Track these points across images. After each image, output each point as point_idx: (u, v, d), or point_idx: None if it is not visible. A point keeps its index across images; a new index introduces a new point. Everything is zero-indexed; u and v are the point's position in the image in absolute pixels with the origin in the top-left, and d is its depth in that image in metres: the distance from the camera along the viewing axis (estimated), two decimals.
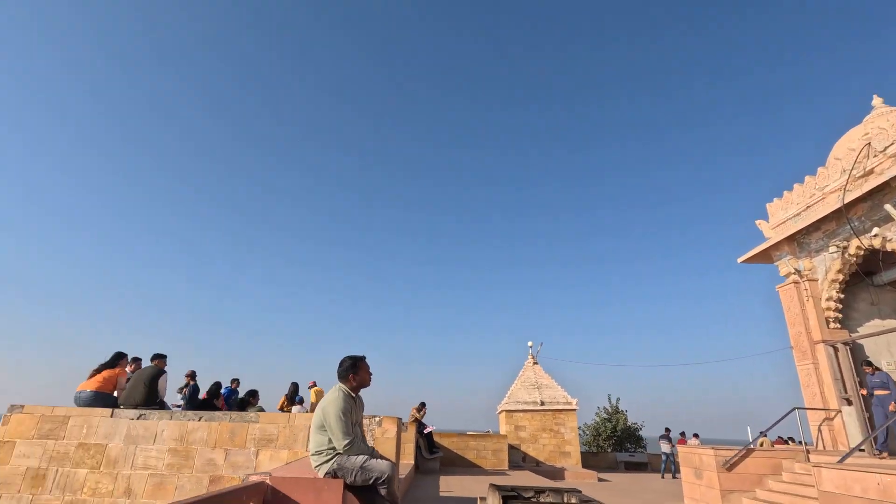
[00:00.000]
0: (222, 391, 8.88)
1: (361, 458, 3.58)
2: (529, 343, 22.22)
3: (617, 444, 24.28)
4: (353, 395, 3.83)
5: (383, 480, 3.54)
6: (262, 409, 8.13)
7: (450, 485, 10.49)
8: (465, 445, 15.13)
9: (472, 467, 14.76)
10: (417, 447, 12.43)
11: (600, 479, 16.00)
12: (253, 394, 8.94)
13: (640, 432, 25.08)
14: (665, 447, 17.94)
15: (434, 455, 12.95)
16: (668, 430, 18.35)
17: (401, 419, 7.56)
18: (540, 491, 6.06)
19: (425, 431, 12.65)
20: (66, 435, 6.74)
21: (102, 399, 7.11)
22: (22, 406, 6.81)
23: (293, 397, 10.81)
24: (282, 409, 10.76)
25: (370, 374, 3.96)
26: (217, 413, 6.99)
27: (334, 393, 3.72)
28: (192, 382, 9.70)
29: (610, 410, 25.48)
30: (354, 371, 3.84)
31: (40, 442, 6.66)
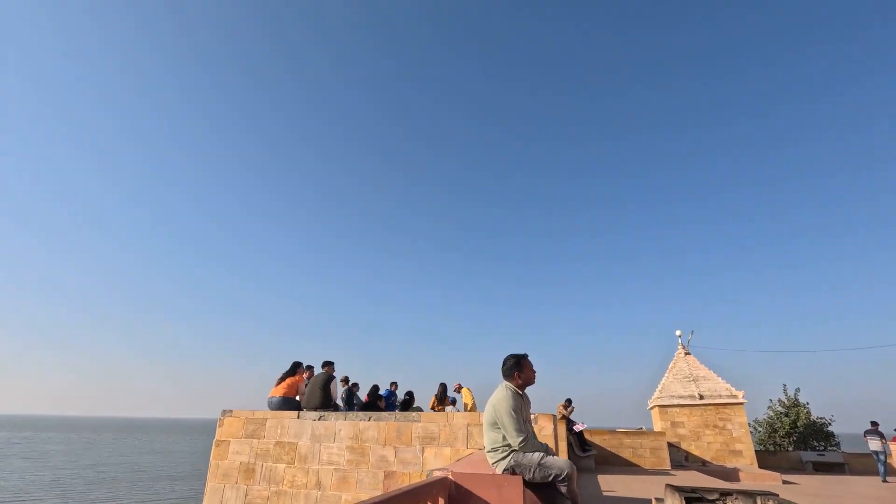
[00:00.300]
0: (382, 393, 9.64)
1: (538, 455, 3.57)
2: (678, 332, 20.37)
3: (800, 442, 21.05)
4: (521, 393, 3.85)
5: (563, 478, 3.48)
6: (420, 409, 8.63)
7: (610, 484, 10.04)
8: (619, 443, 14.37)
9: (628, 466, 13.96)
10: (569, 445, 12.12)
11: (785, 482, 13.96)
12: (411, 395, 9.54)
13: (830, 427, 21.41)
14: (874, 444, 14.47)
15: (587, 453, 12.52)
16: (874, 423, 14.88)
17: (555, 416, 7.43)
18: (726, 493, 5.47)
19: (576, 429, 12.29)
20: (265, 435, 7.86)
21: (289, 403, 8.16)
22: (231, 411, 8.12)
23: (442, 397, 11.29)
24: (433, 408, 11.31)
25: (534, 371, 3.94)
26: (383, 413, 7.57)
27: (502, 391, 3.77)
28: (345, 386, 10.70)
29: (787, 403, 22.22)
30: (519, 369, 3.85)
31: (247, 441, 7.86)
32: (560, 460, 3.54)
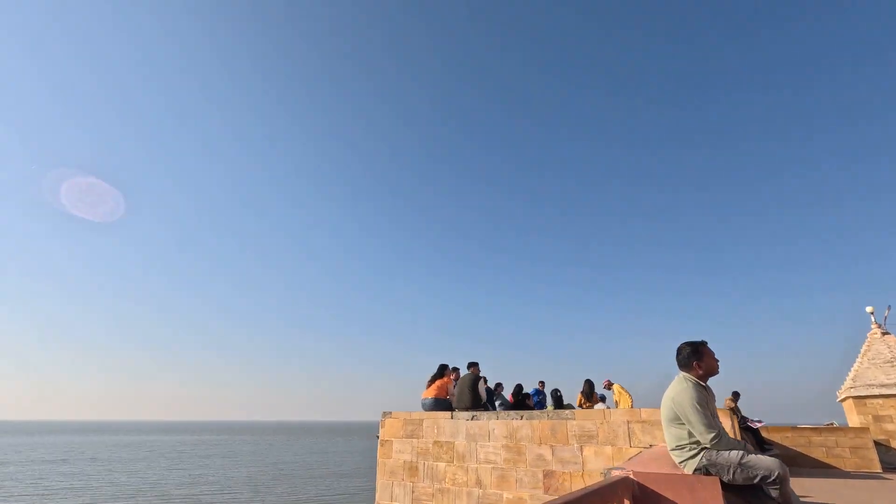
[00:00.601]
0: (529, 392, 9.54)
1: (736, 453, 3.15)
2: (869, 309, 16.94)
3: None
4: (703, 385, 3.45)
5: (774, 479, 3.02)
6: (572, 407, 8.35)
7: (805, 488, 8.65)
8: (807, 441, 12.35)
9: (822, 468, 11.93)
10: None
11: None
12: (560, 392, 9.30)
13: None
14: None
15: (767, 453, 10.97)
16: None
17: (730, 412, 6.63)
18: None
19: (752, 425, 10.86)
20: (423, 434, 8.24)
21: (441, 404, 8.47)
22: (390, 413, 8.67)
23: (590, 394, 10.80)
24: (580, 406, 10.87)
25: (717, 360, 3.51)
26: (535, 412, 7.45)
27: (682, 383, 3.41)
28: (484, 386, 10.77)
29: None
30: (697, 358, 3.46)
31: (408, 441, 8.32)
32: (767, 459, 3.08)
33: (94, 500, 25.44)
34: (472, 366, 8.70)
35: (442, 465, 7.88)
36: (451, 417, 8.05)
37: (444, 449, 7.92)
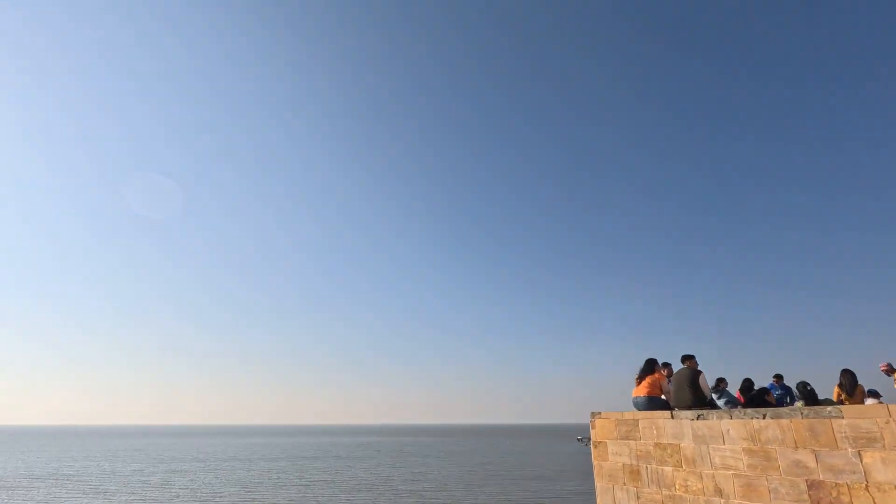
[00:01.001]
0: (767, 387, 8.06)
1: None
2: None
3: None
4: None
5: None
6: (831, 402, 6.77)
7: None
8: None
9: None
10: None
11: None
12: (809, 386, 7.67)
13: None
14: None
15: None
16: None
17: None
18: None
19: None
20: (640, 436, 7.61)
21: (655, 403, 7.73)
22: (600, 413, 8.25)
23: (851, 388, 8.62)
24: (839, 401, 8.75)
25: None
26: (782, 409, 6.23)
27: None
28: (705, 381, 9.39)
29: None
30: None
31: (624, 442, 7.78)
32: None
33: (341, 491, 30.24)
34: (688, 359, 7.74)
35: (669, 469, 7.14)
36: (672, 417, 7.26)
37: (669, 452, 7.17)
